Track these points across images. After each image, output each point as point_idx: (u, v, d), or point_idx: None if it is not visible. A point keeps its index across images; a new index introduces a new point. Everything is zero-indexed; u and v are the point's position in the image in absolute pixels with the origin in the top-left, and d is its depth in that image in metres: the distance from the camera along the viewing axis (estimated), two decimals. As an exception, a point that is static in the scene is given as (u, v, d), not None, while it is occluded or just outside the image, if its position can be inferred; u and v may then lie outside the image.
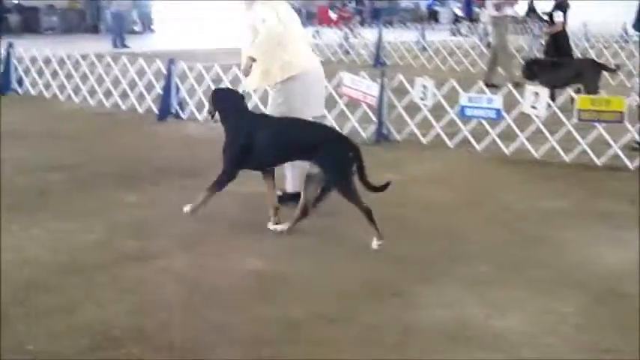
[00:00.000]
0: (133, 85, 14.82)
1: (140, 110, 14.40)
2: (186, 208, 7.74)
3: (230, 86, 10.86)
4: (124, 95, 14.85)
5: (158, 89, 14.26)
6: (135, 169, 10.07)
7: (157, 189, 9.12)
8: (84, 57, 16.32)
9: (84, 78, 15.76)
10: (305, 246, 7.13)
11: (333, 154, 7.21)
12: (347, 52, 27.29)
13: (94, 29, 37.92)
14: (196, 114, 13.71)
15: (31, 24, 35.99)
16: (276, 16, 8.03)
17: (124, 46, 29.13)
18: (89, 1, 38.62)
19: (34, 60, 16.74)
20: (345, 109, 12.57)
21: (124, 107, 14.68)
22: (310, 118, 8.04)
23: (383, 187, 7.23)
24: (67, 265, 6.49)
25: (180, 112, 13.91)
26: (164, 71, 14.10)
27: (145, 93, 14.48)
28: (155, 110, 14.06)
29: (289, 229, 7.49)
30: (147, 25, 39.34)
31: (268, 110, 8.35)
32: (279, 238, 7.36)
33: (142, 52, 22.02)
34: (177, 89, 13.99)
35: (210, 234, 7.45)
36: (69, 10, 38.29)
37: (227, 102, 7.85)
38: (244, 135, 7.56)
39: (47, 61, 16.62)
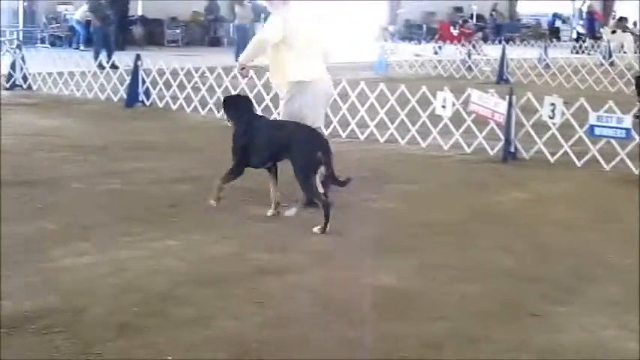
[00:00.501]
0: (258, 98, 15.01)
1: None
2: (212, 202, 8.69)
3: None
4: (250, 108, 15.02)
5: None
6: (262, 182, 10.18)
7: (285, 203, 9.19)
8: (211, 69, 16.61)
9: (210, 90, 16.03)
10: (436, 263, 7.15)
11: (300, 150, 8.25)
12: (469, 69, 27.19)
13: (217, 42, 38.49)
14: (322, 129, 13.77)
15: (154, 36, 36.72)
16: (276, 26, 8.87)
17: (247, 59, 29.48)
18: (211, 14, 39.19)
19: (161, 72, 17.09)
20: (472, 125, 12.55)
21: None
22: (310, 123, 8.79)
23: (345, 182, 8.27)
24: (202, 277, 6.62)
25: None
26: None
27: (270, 106, 14.65)
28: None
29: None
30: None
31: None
32: (411, 254, 7.39)
33: (265, 66, 22.25)
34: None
35: (340, 249, 7.52)
36: (192, 23, 38.97)
37: (235, 107, 9.00)
38: (244, 136, 8.67)
39: (174, 73, 16.97)
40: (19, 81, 19.41)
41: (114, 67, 18.95)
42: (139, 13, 35.03)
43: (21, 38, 27.15)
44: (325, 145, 8.29)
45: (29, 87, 19.36)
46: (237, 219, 8.46)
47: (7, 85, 19.34)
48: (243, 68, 9.27)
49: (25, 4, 33.77)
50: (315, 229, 8.01)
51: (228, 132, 13.70)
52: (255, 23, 35.72)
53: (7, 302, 5.95)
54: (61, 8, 35.67)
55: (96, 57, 24.00)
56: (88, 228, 7.93)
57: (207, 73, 16.49)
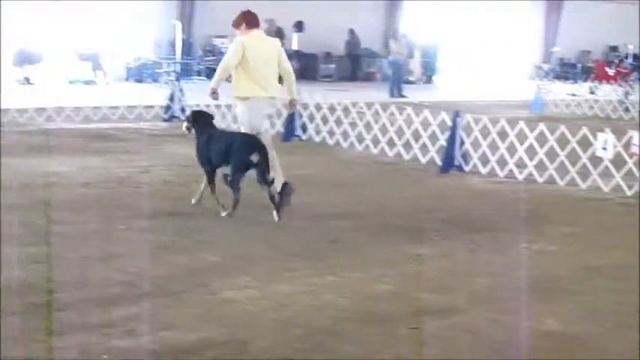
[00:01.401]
0: (416, 135, 15.05)
1: (423, 161, 14.58)
2: (223, 214, 10.04)
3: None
4: (407, 145, 15.09)
5: (442, 141, 14.41)
6: (421, 221, 10.22)
7: (445, 242, 9.21)
8: (368, 105, 16.74)
9: (367, 126, 16.14)
10: (601, 308, 7.03)
11: (235, 155, 10.03)
12: (627, 110, 26.58)
13: (370, 77, 38.70)
14: (480, 167, 13.74)
15: (309, 71, 37.15)
16: (236, 52, 10.56)
17: (401, 95, 29.57)
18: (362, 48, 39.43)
19: (318, 107, 17.30)
20: (634, 168, 12.33)
21: (406, 157, 14.91)
22: (254, 132, 10.51)
23: (271, 182, 10.03)
24: (364, 315, 6.67)
25: (463, 164, 13.99)
26: (448, 123, 14.24)
27: (428, 144, 14.67)
28: (438, 162, 14.20)
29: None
30: (428, 75, 39.74)
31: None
32: (574, 298, 7.29)
33: (419, 102, 22.37)
34: (462, 142, 14.08)
35: (502, 290, 7.46)
36: (345, 58, 39.29)
37: (199, 120, 10.81)
38: (202, 145, 10.51)
39: (330, 108, 17.16)
40: (177, 112, 19.91)
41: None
42: (294, 47, 35.46)
43: (178, 70, 27.85)
44: (261, 148, 10.09)
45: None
46: (397, 257, 8.49)
47: (165, 117, 19.86)
48: (214, 92, 10.86)
49: (184, 36, 34.66)
50: (223, 214, 9.98)
51: (385, 169, 13.92)
52: (409, 59, 35.90)
53: (171, 333, 6.12)
54: (216, 41, 36.45)
55: None
56: (249, 261, 8.08)
57: (365, 109, 16.60)
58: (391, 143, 15.40)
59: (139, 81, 31.00)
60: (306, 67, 37.21)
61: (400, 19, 40.12)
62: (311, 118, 17.17)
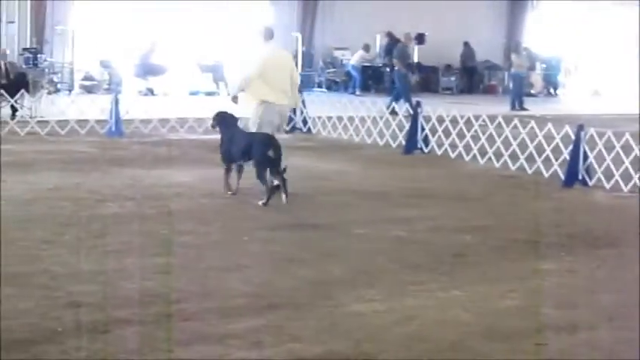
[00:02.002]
0: (539, 149, 14.85)
1: (546, 175, 14.36)
2: (260, 203, 11.26)
3: None
4: (530, 159, 14.89)
5: (565, 154, 14.17)
6: (545, 235, 10.06)
7: (569, 257, 9.05)
8: (490, 118, 16.59)
9: (489, 139, 15.98)
10: None
11: (256, 151, 11.51)
12: None
13: (491, 90, 38.37)
14: (604, 182, 13.47)
15: (429, 83, 37.01)
16: (258, 65, 12.38)
17: (522, 108, 29.22)
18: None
19: (440, 119, 17.21)
20: None
21: (529, 171, 14.71)
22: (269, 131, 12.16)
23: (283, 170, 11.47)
24: (490, 330, 6.59)
25: (587, 178, 13.73)
26: (572, 136, 14.01)
27: (551, 157, 14.44)
28: (561, 175, 13.97)
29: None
30: (550, 88, 39.20)
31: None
32: None
33: (541, 116, 22.07)
34: (585, 156, 13.83)
35: (628, 307, 7.29)
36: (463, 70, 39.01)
37: (223, 121, 12.25)
38: (226, 143, 12.04)
39: (452, 121, 17.05)
40: (299, 124, 20.05)
41: (393, 113, 19.05)
42: (415, 59, 35.38)
43: (300, 82, 28.12)
44: (276, 146, 11.59)
45: (308, 130, 19.95)
46: (522, 272, 8.38)
47: (287, 128, 19.96)
48: (234, 98, 12.61)
49: (304, 48, 34.89)
50: (260, 203, 11.20)
51: (507, 183, 13.76)
52: (531, 72, 35.42)
53: (298, 345, 6.13)
54: (337, 53, 36.58)
55: (409, 103, 23.29)
56: (374, 274, 8.07)
57: (487, 122, 16.46)
58: (514, 157, 15.21)
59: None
60: (427, 79, 37.11)
61: (522, 32, 39.65)
62: (433, 130, 17.07)
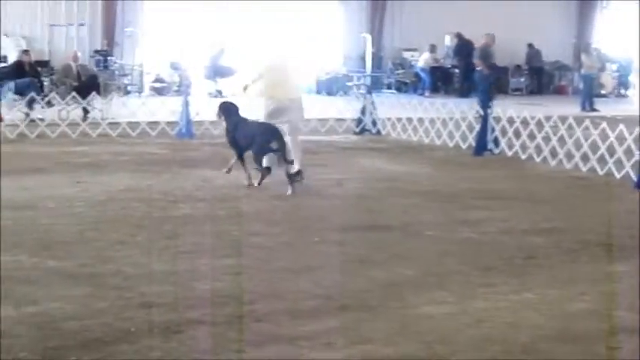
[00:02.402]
0: (611, 150, 14.70)
1: (617, 176, 14.21)
2: (255, 183, 12.59)
3: None
4: (601, 160, 14.74)
5: (637, 156, 14.00)
6: (617, 238, 9.94)
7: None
8: (562, 119, 16.45)
9: (560, 141, 15.85)
10: None
11: (257, 139, 12.45)
12: None
13: (562, 90, 38.02)
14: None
15: (499, 84, 36.77)
16: (267, 62, 14.05)
17: (593, 109, 28.91)
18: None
19: (510, 120, 17.10)
20: None
21: (600, 172, 14.56)
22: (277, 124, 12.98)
23: (291, 162, 12.37)
24: (562, 333, 6.55)
25: (660, 180, 13.56)
26: (644, 137, 13.87)
27: (623, 159, 14.28)
28: (633, 177, 13.80)
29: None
30: (622, 89, 38.72)
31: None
32: None
33: (612, 117, 21.84)
34: (659, 157, 13.65)
35: None
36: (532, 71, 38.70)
37: (228, 110, 13.20)
38: (232, 131, 12.91)
39: (523, 122, 16.93)
40: (369, 126, 20.07)
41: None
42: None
43: (368, 83, 28.02)
44: (279, 136, 12.49)
45: (378, 132, 19.96)
46: (595, 275, 8.30)
47: (357, 130, 20.04)
48: (245, 87, 13.91)
49: (373, 49, 34.87)
50: (255, 183, 12.54)
51: (578, 184, 13.64)
52: (601, 72, 35.03)
53: (369, 346, 6.16)
54: (406, 54, 36.52)
55: (484, 105, 22.96)
56: (445, 276, 8.05)
57: (559, 123, 16.32)
58: (585, 158, 15.06)
59: (330, 94, 31.33)
60: (497, 80, 36.84)
61: (592, 33, 39.27)
62: (503, 132, 16.98)
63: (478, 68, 24.59)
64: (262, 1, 32.74)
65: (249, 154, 12.76)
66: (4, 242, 8.85)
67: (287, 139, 12.79)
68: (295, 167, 12.63)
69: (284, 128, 13.05)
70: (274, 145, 12.36)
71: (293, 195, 11.90)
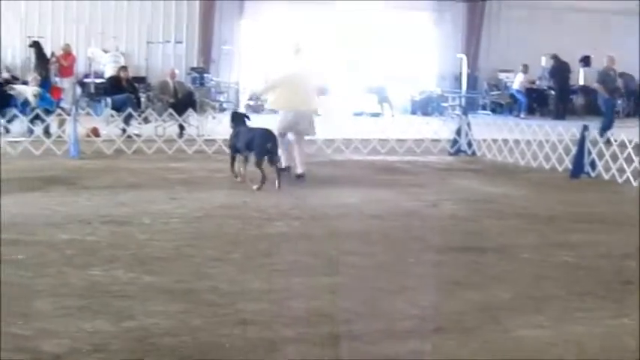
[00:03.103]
0: None
1: None
2: (254, 187, 13.76)
3: None
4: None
5: None
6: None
7: None
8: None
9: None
10: None
11: (256, 144, 14.01)
12: None
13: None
14: None
15: (594, 106, 36.25)
16: (278, 75, 15.52)
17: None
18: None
19: (607, 143, 16.87)
20: None
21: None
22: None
23: (285, 169, 14.54)
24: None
25: None
26: None
27: None
28: None
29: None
30: None
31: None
32: None
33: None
34: None
35: None
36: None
37: (235, 119, 15.06)
38: (234, 137, 14.67)
39: (620, 145, 16.69)
40: (464, 147, 19.99)
41: (608, 142, 18.22)
42: (580, 82, 34.81)
43: (464, 104, 27.97)
44: (273, 139, 14.12)
45: (473, 153, 19.86)
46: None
47: (452, 151, 19.96)
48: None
49: (468, 70, 34.76)
50: (254, 187, 13.69)
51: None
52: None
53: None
54: (502, 75, 36.32)
55: (604, 130, 22.29)
56: (541, 300, 7.95)
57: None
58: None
59: (425, 114, 31.31)
60: (592, 102, 36.32)
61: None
62: (600, 155, 16.75)
63: (599, 93, 24.29)
64: (359, 24, 32.94)
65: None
66: (100, 257, 9.01)
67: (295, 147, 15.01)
68: (299, 171, 14.98)
69: (288, 135, 15.14)
70: (268, 145, 14.05)
71: (389, 215, 11.89)
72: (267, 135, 14.18)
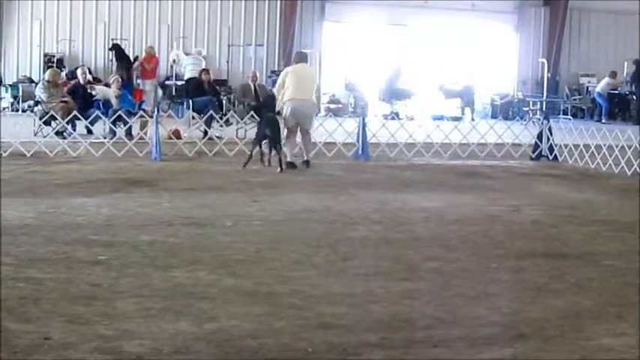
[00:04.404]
0: None
1: None
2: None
3: None
4: None
5: None
6: None
7: None
8: None
9: None
10: None
11: (260, 127, 16.70)
12: None
13: None
14: None
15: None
16: (281, 78, 17.56)
17: None
18: None
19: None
20: None
21: None
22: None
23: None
24: None
25: None
26: None
27: None
28: None
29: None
30: None
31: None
32: None
33: None
34: None
35: None
36: None
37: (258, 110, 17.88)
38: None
39: None
40: (545, 152, 19.80)
41: None
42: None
43: (545, 109, 27.71)
44: (274, 126, 16.44)
45: (555, 158, 19.66)
46: None
47: (533, 156, 19.79)
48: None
49: (549, 74, 34.42)
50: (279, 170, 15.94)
51: None
52: None
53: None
54: (583, 80, 35.92)
55: None
56: (625, 307, 7.83)
57: None
58: None
59: (506, 118, 31.08)
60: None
61: None
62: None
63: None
64: (439, 26, 32.82)
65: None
66: (182, 259, 9.10)
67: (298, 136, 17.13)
68: (305, 157, 17.20)
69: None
70: (268, 131, 16.18)
71: (470, 220, 11.83)
72: (269, 120, 16.54)
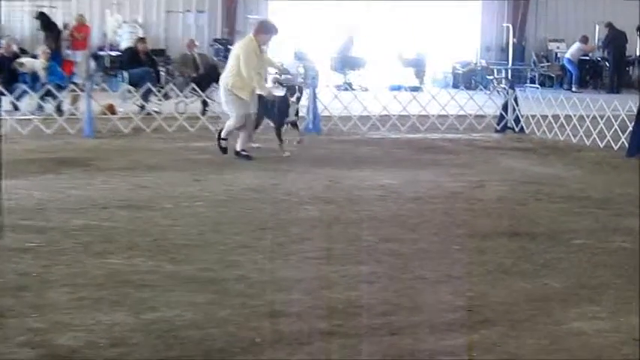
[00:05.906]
0: None
1: None
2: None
3: None
4: None
5: None
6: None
7: None
8: None
9: None
10: None
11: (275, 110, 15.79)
12: None
13: None
14: None
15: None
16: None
17: None
18: None
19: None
20: None
21: None
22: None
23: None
24: None
25: None
26: None
27: None
28: None
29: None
30: None
31: None
32: None
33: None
34: None
35: None
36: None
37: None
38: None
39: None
40: (511, 123, 19.89)
41: None
42: (638, 53, 34.57)
43: (510, 77, 27.84)
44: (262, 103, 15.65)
45: (521, 130, 19.76)
46: None
47: (498, 128, 19.89)
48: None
49: (515, 40, 34.57)
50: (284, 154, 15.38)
51: None
52: None
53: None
54: (552, 46, 36.08)
55: None
56: (596, 289, 7.93)
57: None
58: None
59: (469, 88, 31.17)
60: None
61: None
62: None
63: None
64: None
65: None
66: (118, 244, 9.07)
67: None
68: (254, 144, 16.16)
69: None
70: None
71: (430, 198, 11.90)
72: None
